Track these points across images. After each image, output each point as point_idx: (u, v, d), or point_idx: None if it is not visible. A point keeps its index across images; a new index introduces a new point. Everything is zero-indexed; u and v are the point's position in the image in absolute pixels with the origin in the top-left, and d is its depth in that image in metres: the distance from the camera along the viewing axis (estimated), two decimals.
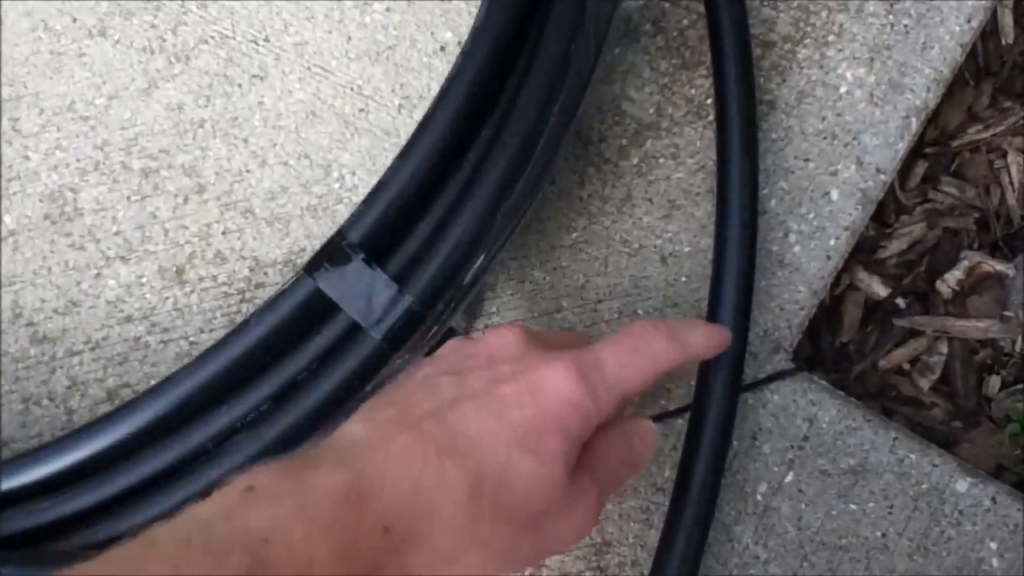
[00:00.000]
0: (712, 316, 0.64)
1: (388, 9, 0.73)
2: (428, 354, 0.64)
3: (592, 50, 0.60)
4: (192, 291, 0.73)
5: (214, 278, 0.73)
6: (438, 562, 0.37)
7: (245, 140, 0.74)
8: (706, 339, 0.51)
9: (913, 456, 0.67)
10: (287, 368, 0.58)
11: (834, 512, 0.67)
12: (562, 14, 0.57)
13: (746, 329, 0.65)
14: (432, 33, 0.73)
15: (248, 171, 0.73)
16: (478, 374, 0.43)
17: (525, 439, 0.39)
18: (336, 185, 0.72)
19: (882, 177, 0.70)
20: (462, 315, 0.71)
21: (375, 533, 0.34)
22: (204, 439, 0.57)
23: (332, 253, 0.57)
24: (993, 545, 0.66)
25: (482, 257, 0.58)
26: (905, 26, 0.70)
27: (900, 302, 0.79)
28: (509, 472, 0.38)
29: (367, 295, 0.56)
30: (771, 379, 0.69)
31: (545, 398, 0.41)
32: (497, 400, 0.41)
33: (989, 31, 0.82)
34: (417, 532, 0.36)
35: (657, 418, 0.70)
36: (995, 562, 0.65)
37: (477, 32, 0.56)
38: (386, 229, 0.57)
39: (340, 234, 0.57)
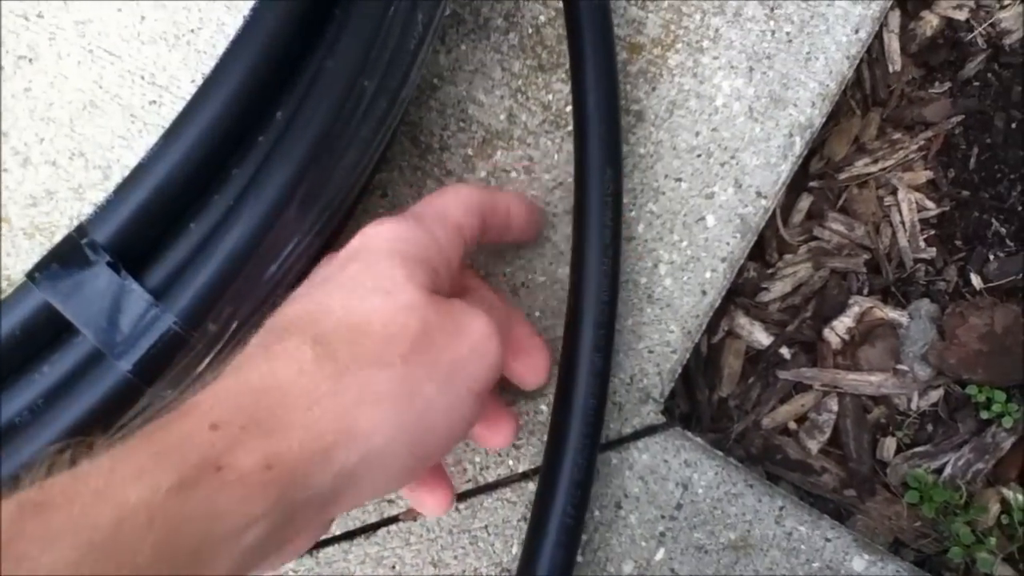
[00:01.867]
0: (568, 356, 0.53)
1: None
2: None
3: (418, 27, 0.49)
4: None
5: None
6: (323, 437, 0.32)
7: (5, 134, 0.60)
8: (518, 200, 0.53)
9: (803, 528, 0.57)
10: (4, 407, 0.43)
11: None
12: None
13: (606, 374, 0.54)
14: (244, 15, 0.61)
15: (6, 170, 0.59)
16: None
17: (359, 282, 0.37)
18: None
19: (763, 202, 0.61)
20: None
21: (201, 433, 0.30)
22: None
23: (67, 254, 0.43)
24: None
25: (271, 270, 0.45)
26: (787, 33, 0.62)
27: (785, 352, 0.70)
28: (355, 318, 0.36)
29: (112, 311, 0.43)
30: (638, 435, 0.58)
31: (368, 245, 0.40)
32: (329, 279, 0.39)
33: (876, 58, 0.76)
34: (271, 418, 0.32)
35: (504, 482, 0.57)
36: None
37: None
38: (144, 227, 0.44)
39: (79, 231, 0.43)
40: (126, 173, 0.57)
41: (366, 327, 0.35)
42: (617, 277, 0.55)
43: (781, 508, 0.57)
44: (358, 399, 0.33)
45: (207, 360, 0.45)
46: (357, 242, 0.41)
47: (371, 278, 0.37)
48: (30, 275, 0.43)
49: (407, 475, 0.36)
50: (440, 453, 0.38)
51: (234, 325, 0.45)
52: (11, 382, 0.44)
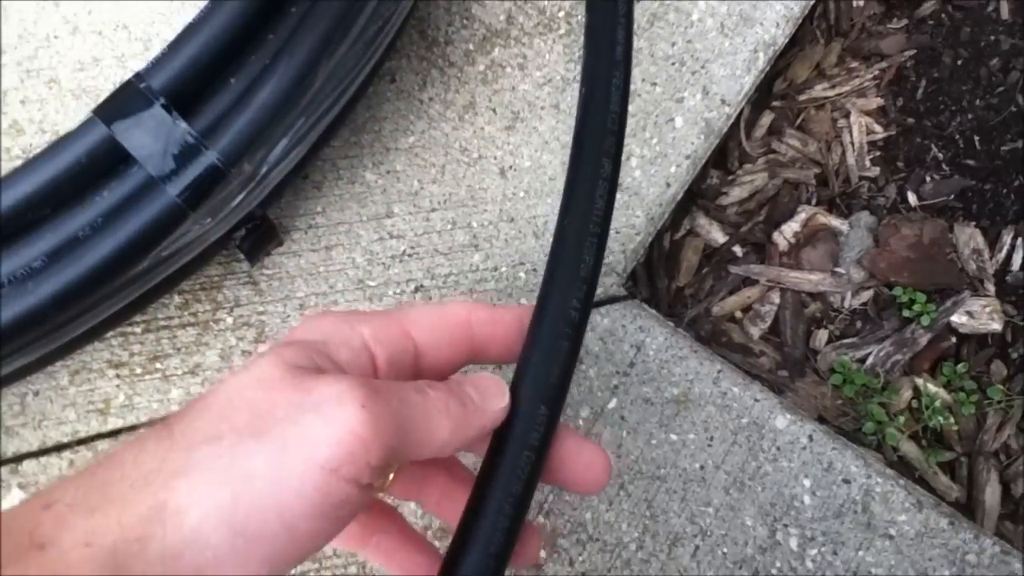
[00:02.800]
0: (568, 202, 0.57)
1: None
2: (233, 234, 0.59)
3: None
4: None
5: (7, 150, 0.65)
6: (139, 512, 0.30)
7: (56, 3, 0.67)
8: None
9: (736, 389, 0.66)
10: (67, 223, 0.51)
11: (654, 441, 0.65)
12: None
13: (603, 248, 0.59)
14: None
15: (56, 37, 0.66)
16: None
17: (237, 370, 0.35)
18: None
19: (727, 109, 0.69)
20: (283, 205, 0.66)
21: (31, 513, 0.30)
22: None
23: (128, 96, 0.51)
24: (807, 482, 0.65)
25: (298, 124, 0.53)
26: None
27: (737, 250, 0.79)
28: (207, 398, 0.33)
29: (164, 145, 0.51)
30: (601, 303, 0.67)
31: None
32: None
33: None
34: (98, 495, 0.30)
35: None
36: (807, 499, 0.64)
37: None
38: (192, 78, 0.52)
39: (139, 77, 0.51)
40: (165, 46, 0.65)
41: (211, 404, 0.33)
42: (627, 93, 0.54)
43: (719, 371, 0.66)
44: (175, 472, 0.30)
45: (242, 195, 0.53)
46: None
47: (246, 362, 0.35)
48: (96, 111, 0.51)
49: (240, 557, 0.31)
50: (281, 533, 0.31)
51: (265, 168, 0.54)
52: (75, 202, 0.52)
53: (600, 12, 0.52)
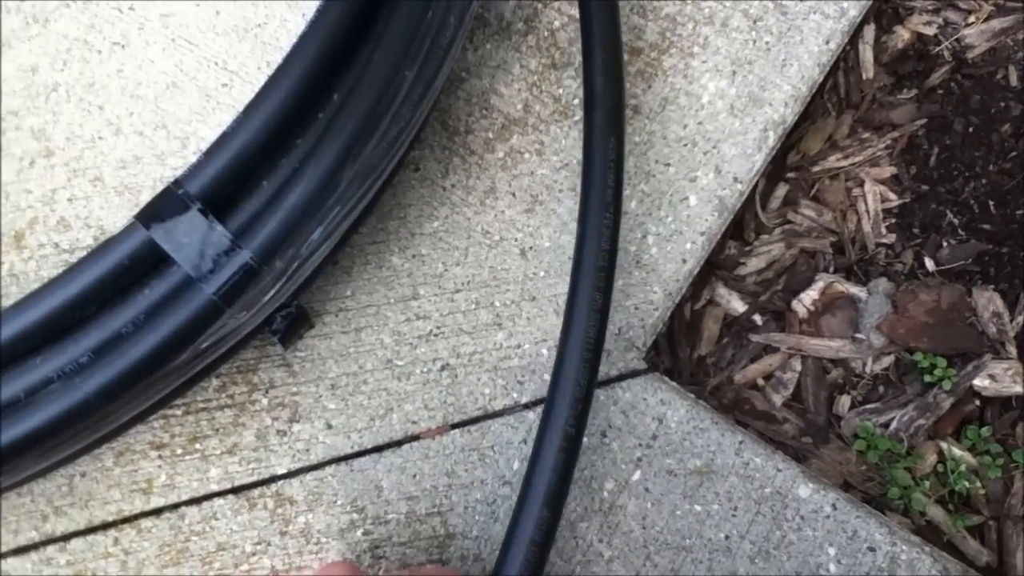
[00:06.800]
0: (573, 295, 0.62)
1: None
2: (268, 323, 0.62)
3: (451, 27, 0.60)
4: (30, 257, 0.69)
5: (56, 245, 0.69)
6: None
7: (100, 107, 0.71)
8: None
9: (758, 460, 0.67)
10: (111, 320, 0.55)
11: (679, 512, 0.66)
12: None
13: (606, 311, 0.63)
14: (304, 15, 0.72)
15: (101, 138, 0.71)
16: None
17: None
18: (193, 158, 0.69)
19: (739, 186, 0.72)
20: (314, 291, 0.69)
21: None
22: (16, 390, 0.54)
23: (167, 202, 0.54)
24: (832, 551, 0.65)
25: (326, 221, 0.57)
26: (767, 43, 0.73)
27: (757, 319, 0.80)
28: None
29: (200, 247, 0.54)
30: (623, 377, 0.69)
31: None
32: None
33: (851, 66, 0.86)
34: None
35: (509, 411, 0.68)
36: (832, 567, 0.65)
37: None
38: (227, 182, 0.55)
39: (177, 183, 0.55)
40: (202, 144, 0.69)
41: None
42: (617, 229, 0.63)
43: (740, 442, 0.67)
44: None
45: (275, 289, 0.56)
46: None
47: None
48: (138, 216, 0.54)
49: None
50: None
51: (295, 264, 0.57)
52: (118, 301, 0.55)
53: (593, 157, 0.64)
